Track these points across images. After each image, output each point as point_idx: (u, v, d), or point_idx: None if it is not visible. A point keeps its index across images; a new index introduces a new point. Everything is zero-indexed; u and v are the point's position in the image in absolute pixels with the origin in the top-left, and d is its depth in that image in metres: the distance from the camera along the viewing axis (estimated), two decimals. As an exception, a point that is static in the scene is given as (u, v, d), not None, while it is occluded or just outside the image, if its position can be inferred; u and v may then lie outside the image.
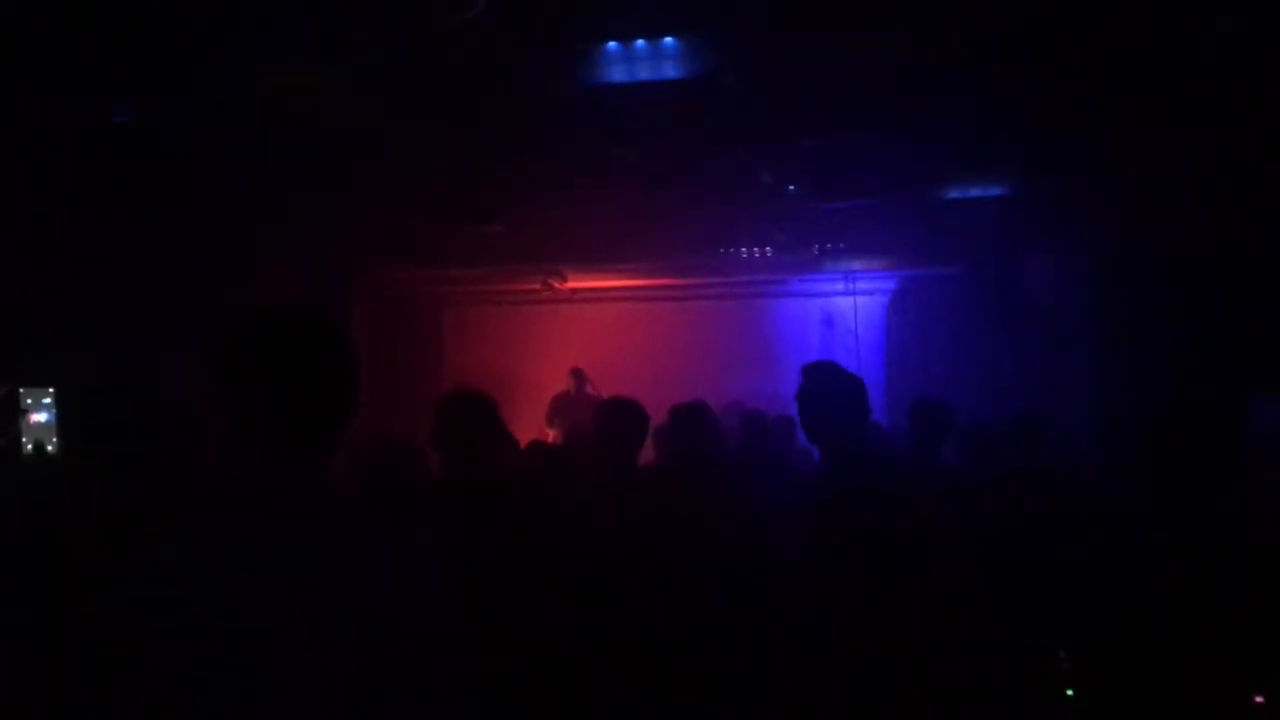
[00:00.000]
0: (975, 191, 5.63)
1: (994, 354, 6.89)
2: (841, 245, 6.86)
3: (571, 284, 7.99)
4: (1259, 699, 2.08)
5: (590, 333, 8.90)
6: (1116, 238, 5.85)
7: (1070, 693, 2.73)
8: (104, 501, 2.14)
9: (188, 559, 1.20)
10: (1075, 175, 5.32)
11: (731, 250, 7.05)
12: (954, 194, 5.69)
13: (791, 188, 5.49)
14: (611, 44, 4.04)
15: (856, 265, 7.29)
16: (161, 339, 4.93)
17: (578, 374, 8.27)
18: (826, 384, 2.60)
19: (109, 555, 1.43)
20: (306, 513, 1.25)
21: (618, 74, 4.26)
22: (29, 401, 4.73)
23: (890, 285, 8.44)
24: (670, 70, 4.21)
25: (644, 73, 4.26)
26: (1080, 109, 4.28)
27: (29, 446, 4.64)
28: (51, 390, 4.78)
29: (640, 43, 4.06)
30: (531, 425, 7.78)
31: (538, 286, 7.88)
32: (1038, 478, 3.81)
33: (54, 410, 4.71)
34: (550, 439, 6.96)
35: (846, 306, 8.45)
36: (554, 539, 2.78)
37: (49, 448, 4.63)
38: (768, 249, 6.97)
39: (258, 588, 1.17)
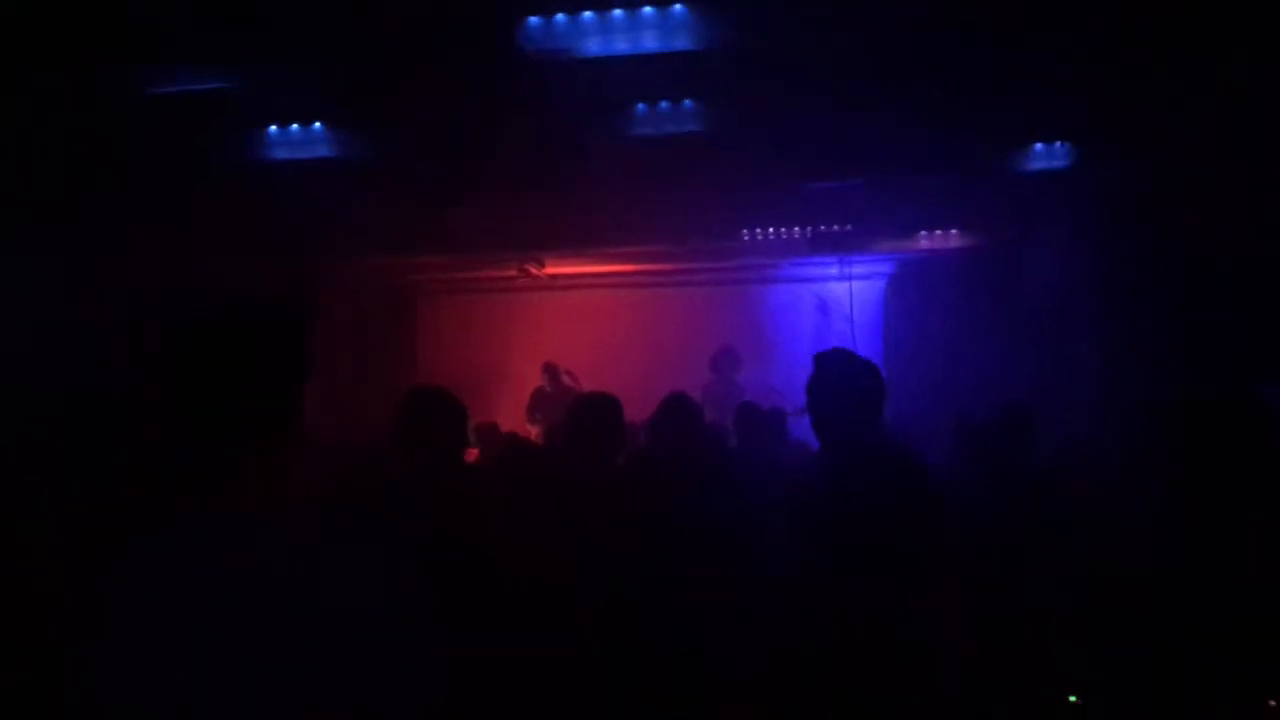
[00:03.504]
0: (980, 167, 5.63)
1: (999, 342, 6.89)
2: (835, 227, 6.84)
3: (550, 270, 7.95)
4: (1273, 702, 2.09)
5: (570, 322, 8.88)
6: (1131, 218, 5.84)
7: (1074, 699, 2.73)
8: (36, 502, 2.10)
9: (130, 569, 1.21)
10: (1089, 149, 5.32)
11: (720, 233, 7.02)
12: (957, 170, 5.68)
13: (781, 168, 5.48)
14: (588, 13, 4.00)
15: (851, 247, 7.26)
16: (108, 335, 4.85)
17: (550, 370, 8.23)
18: (843, 375, 2.55)
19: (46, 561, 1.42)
20: (253, 520, 1.24)
21: (596, 45, 4.21)
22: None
23: (888, 268, 8.42)
24: (651, 42, 4.17)
25: (623, 44, 4.23)
26: (1101, 74, 4.25)
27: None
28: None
29: (618, 13, 4.02)
30: (510, 420, 7.74)
31: (514, 273, 7.83)
32: (1031, 476, 3.79)
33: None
34: (533, 436, 6.93)
35: (841, 292, 8.42)
36: (525, 543, 2.75)
37: None
38: (757, 231, 6.95)
39: (201, 599, 1.17)
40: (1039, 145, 5.56)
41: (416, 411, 2.82)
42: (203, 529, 1.23)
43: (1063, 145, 5.54)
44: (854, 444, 2.46)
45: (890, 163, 5.50)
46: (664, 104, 4.92)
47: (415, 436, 2.77)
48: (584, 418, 3.21)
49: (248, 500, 1.25)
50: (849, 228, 6.88)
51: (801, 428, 5.21)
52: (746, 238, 7.06)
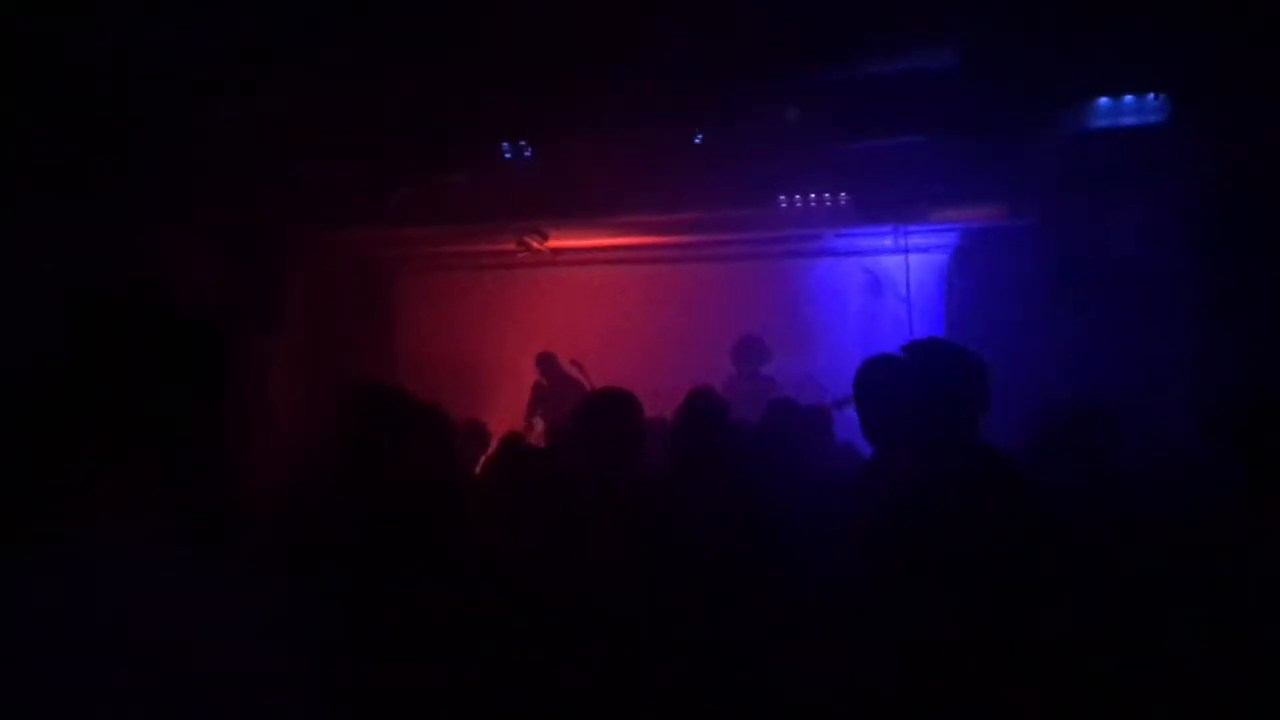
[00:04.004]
0: (1061, 122, 5.55)
1: (1079, 326, 6.83)
2: (888, 191, 6.79)
3: (554, 243, 7.93)
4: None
5: (577, 303, 8.88)
6: (1234, 181, 5.76)
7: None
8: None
9: None
10: (1186, 103, 5.24)
11: (754, 198, 6.98)
12: (1033, 124, 5.61)
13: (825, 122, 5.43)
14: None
15: (907, 215, 7.22)
16: (25, 335, 4.83)
17: (546, 361, 8.21)
18: (939, 373, 2.52)
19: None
20: (122, 553, 1.25)
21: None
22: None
23: (951, 240, 8.35)
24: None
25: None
26: (1198, 13, 4.17)
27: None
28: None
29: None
30: (506, 418, 7.76)
31: (512, 247, 7.82)
32: (1116, 480, 3.77)
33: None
34: (532, 438, 6.93)
35: (896, 267, 8.37)
36: (514, 570, 2.75)
37: None
38: (797, 196, 6.91)
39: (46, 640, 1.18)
40: (1128, 98, 5.49)
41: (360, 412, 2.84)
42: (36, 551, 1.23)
43: (1156, 99, 5.46)
44: (946, 455, 2.42)
45: (955, 116, 5.44)
46: (687, 48, 4.87)
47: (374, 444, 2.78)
48: (595, 417, 3.19)
49: (115, 521, 1.27)
50: (905, 192, 6.85)
51: (845, 423, 5.18)
52: (784, 204, 7.00)
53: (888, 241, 8.21)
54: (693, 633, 2.64)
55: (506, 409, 8.21)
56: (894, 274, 8.53)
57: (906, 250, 8.13)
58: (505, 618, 2.70)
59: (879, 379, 2.74)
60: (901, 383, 2.55)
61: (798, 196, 6.94)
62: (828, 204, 6.98)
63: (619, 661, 2.57)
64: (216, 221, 6.65)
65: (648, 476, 3.50)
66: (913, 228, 7.77)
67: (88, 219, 5.49)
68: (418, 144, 5.79)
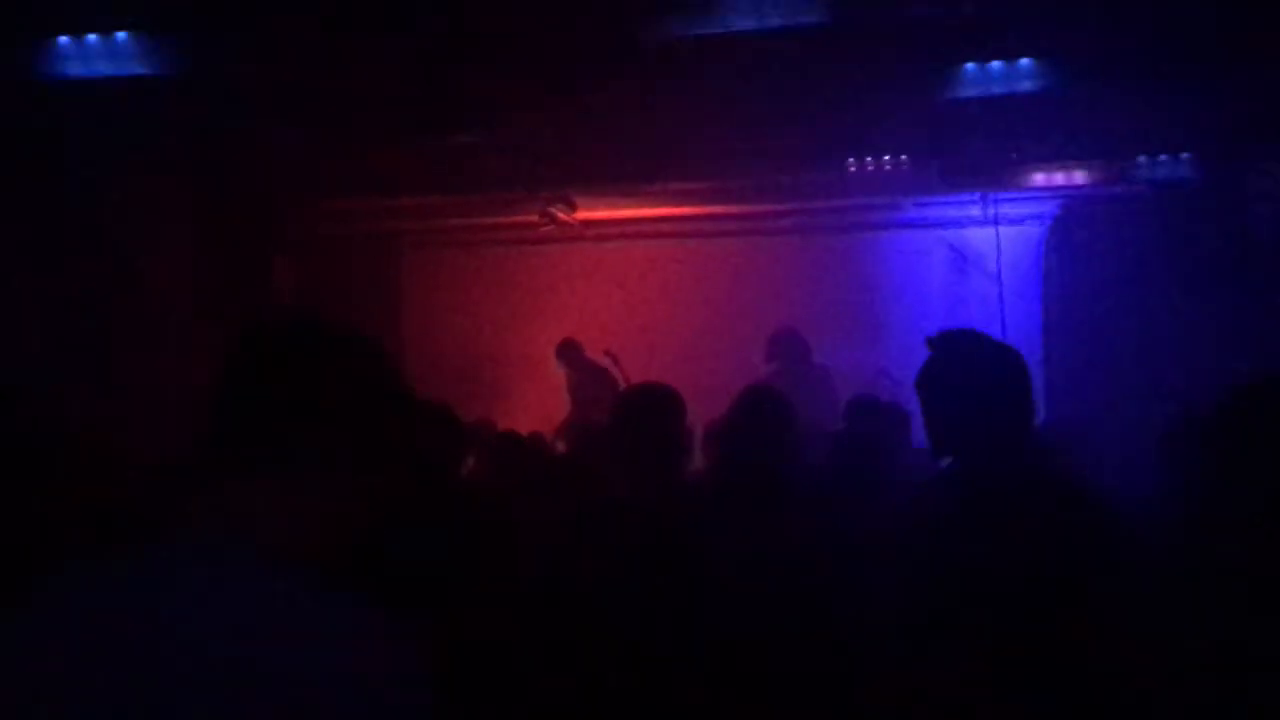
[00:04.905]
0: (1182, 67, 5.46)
1: (1196, 308, 6.73)
2: (977, 151, 6.72)
3: (583, 215, 7.94)
4: None
5: (610, 285, 8.89)
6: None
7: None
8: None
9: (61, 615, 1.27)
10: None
11: (816, 163, 6.94)
12: (1150, 72, 5.52)
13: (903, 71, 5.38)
14: None
15: (999, 180, 7.15)
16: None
17: (569, 351, 8.17)
18: (972, 368, 2.50)
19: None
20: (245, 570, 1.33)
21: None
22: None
23: (1049, 210, 8.26)
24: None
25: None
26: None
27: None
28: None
29: None
30: (526, 412, 7.79)
31: (535, 219, 7.84)
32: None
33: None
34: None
35: (985, 241, 8.30)
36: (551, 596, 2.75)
37: None
38: (868, 159, 6.86)
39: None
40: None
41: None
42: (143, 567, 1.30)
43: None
44: (989, 465, 2.43)
45: (1056, 64, 5.37)
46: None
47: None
48: (631, 419, 3.17)
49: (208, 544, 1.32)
50: (996, 153, 6.77)
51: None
52: (854, 168, 6.97)
53: (975, 211, 8.15)
54: (750, 671, 2.63)
55: (528, 406, 8.23)
56: (982, 249, 8.45)
57: (997, 221, 8.08)
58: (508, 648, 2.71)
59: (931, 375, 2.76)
60: (940, 381, 2.56)
61: (870, 159, 6.90)
62: (905, 167, 6.93)
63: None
64: (193, 197, 6.72)
65: (691, 487, 3.48)
66: (1004, 195, 7.68)
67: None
68: (422, 100, 5.79)
